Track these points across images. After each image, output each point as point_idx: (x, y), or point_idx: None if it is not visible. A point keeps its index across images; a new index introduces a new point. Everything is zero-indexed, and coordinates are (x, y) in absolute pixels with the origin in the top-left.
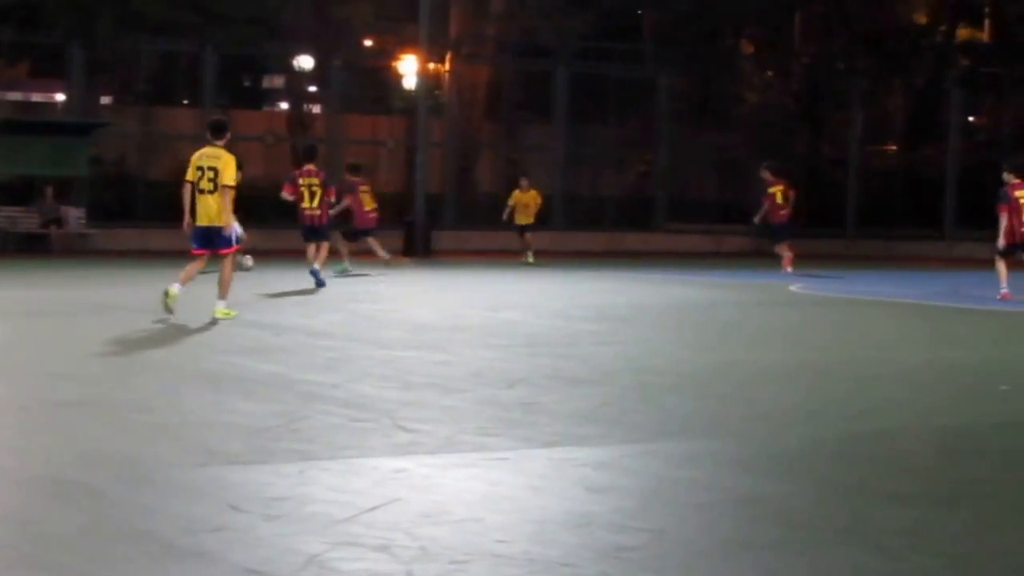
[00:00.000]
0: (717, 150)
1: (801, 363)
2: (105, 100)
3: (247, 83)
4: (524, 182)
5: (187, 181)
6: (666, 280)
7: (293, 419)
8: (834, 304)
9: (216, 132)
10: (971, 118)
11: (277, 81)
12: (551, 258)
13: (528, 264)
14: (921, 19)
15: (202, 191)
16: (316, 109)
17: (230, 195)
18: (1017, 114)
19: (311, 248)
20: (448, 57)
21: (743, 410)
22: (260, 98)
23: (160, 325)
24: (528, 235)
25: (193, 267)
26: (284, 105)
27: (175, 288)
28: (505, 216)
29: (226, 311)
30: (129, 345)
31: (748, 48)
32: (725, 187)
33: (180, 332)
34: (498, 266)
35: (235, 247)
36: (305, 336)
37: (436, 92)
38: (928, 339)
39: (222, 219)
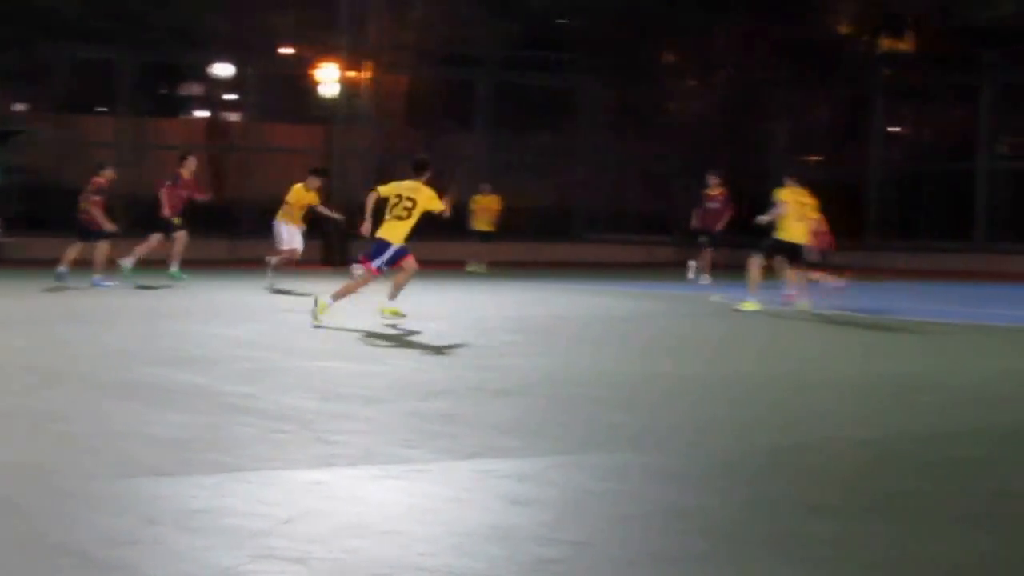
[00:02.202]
0: (641, 160)
1: (727, 375)
2: (19, 107)
3: (164, 91)
4: (485, 187)
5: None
6: (589, 291)
7: (213, 430)
8: (759, 315)
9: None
10: (894, 128)
11: (195, 89)
12: (462, 268)
13: (475, 273)
14: (844, 29)
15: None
16: (234, 117)
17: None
18: (940, 123)
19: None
20: (368, 66)
21: (669, 422)
22: (178, 106)
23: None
24: (485, 245)
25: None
26: (202, 113)
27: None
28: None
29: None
30: (47, 356)
31: (671, 58)
32: (649, 197)
33: (100, 342)
34: (420, 275)
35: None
36: (227, 346)
37: (356, 101)
38: (855, 351)
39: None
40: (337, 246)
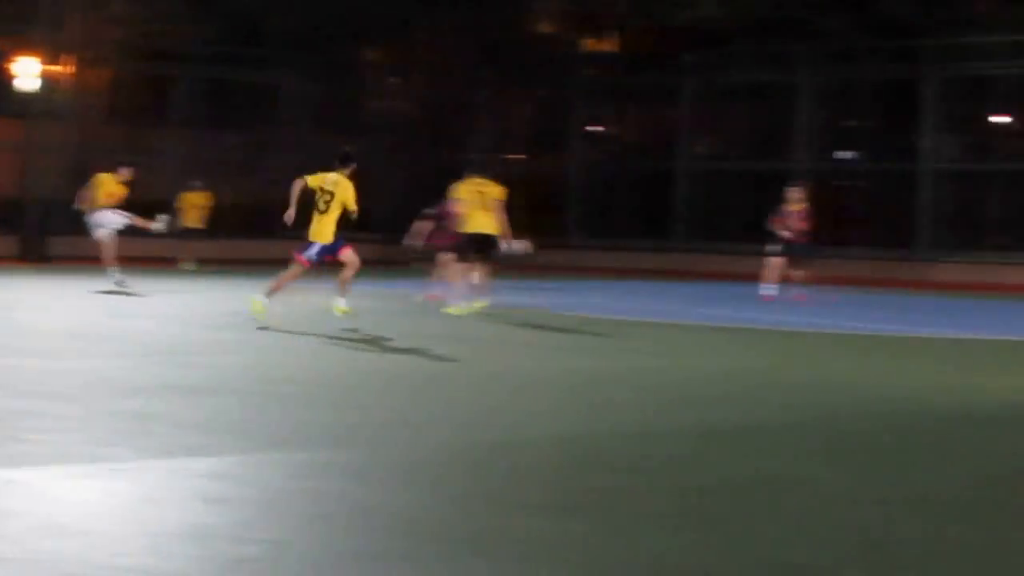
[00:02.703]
0: None
1: (437, 372)
2: None
3: None
4: (195, 183)
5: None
6: (295, 287)
7: None
8: (466, 315)
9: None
10: (596, 127)
11: None
12: (173, 265)
13: (187, 270)
14: (547, 29)
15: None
16: None
17: None
18: (641, 123)
19: None
20: (67, 60)
21: (372, 419)
22: None
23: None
24: (195, 242)
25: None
26: None
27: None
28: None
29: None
30: None
31: (372, 56)
32: (356, 195)
33: None
34: (131, 272)
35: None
36: None
37: (55, 95)
38: (555, 349)
39: None
40: (35, 241)
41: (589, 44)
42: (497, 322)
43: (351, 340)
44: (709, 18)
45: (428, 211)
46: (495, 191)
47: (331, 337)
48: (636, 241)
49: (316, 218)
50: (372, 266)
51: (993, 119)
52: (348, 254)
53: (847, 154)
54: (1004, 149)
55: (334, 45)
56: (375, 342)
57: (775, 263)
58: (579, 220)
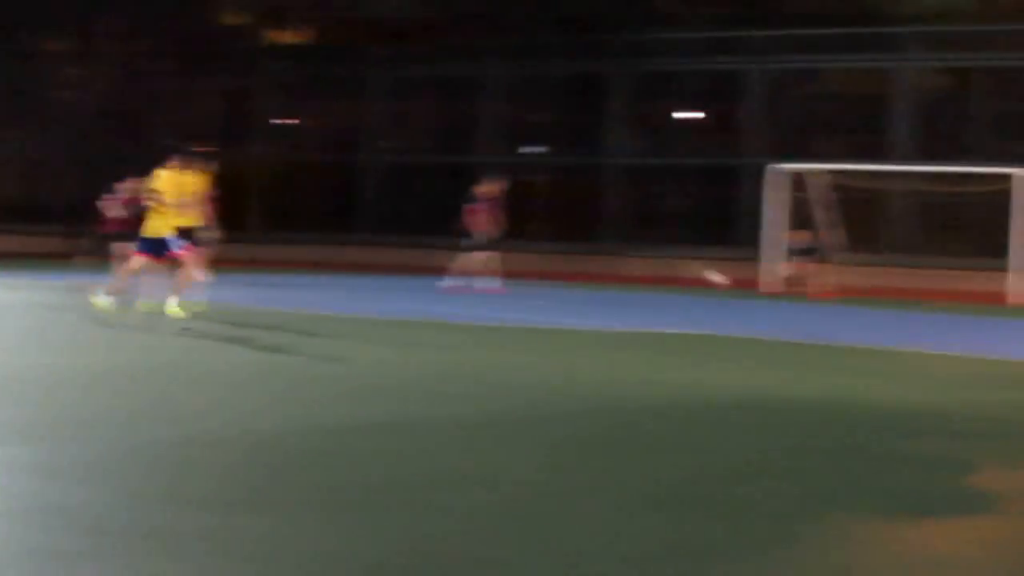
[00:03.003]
0: (20, 147)
1: (114, 367)
2: None
3: None
4: None
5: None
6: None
7: None
8: (137, 308)
9: None
10: (281, 120)
11: None
12: None
13: None
14: (235, 21)
15: None
16: None
17: None
18: (327, 115)
19: None
20: None
21: (52, 415)
22: None
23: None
24: None
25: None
26: None
27: None
28: None
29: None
30: None
31: (53, 46)
32: (33, 186)
33: None
34: None
35: None
36: None
37: None
38: (238, 342)
39: None
40: None
41: (276, 36)
42: (164, 316)
43: (11, 334)
44: (395, 12)
45: (111, 195)
46: (196, 182)
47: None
48: (320, 234)
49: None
50: (51, 259)
51: (676, 115)
52: (183, 255)
53: (534, 148)
54: (687, 144)
55: (13, 36)
56: (39, 336)
57: (468, 257)
58: (260, 212)
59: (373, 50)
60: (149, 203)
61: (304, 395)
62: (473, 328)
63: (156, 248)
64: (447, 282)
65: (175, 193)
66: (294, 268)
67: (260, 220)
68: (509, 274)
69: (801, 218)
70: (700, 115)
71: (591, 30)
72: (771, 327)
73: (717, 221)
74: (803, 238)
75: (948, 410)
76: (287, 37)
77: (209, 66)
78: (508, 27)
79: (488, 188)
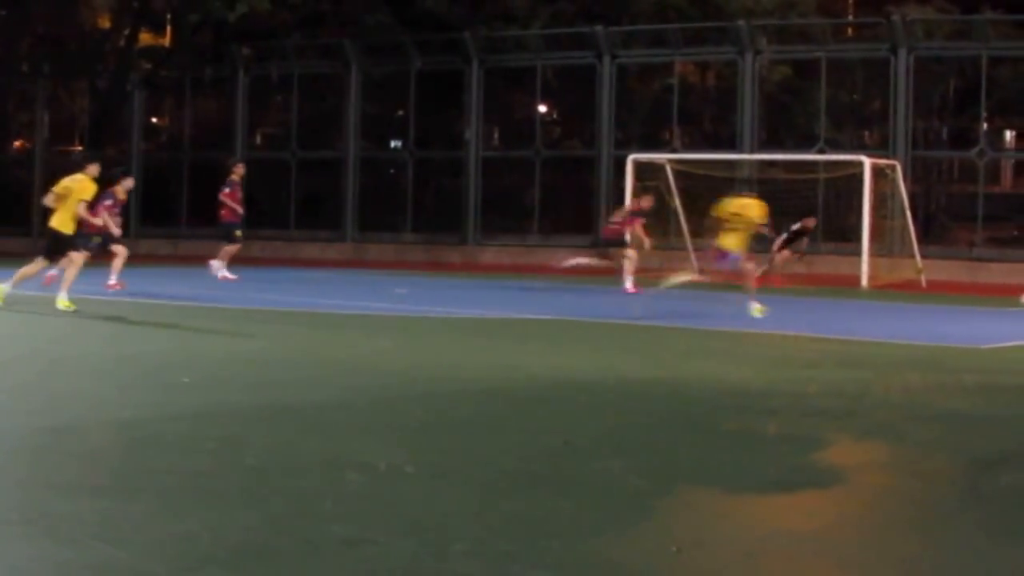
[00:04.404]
0: None
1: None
2: None
3: None
4: None
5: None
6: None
7: None
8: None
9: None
10: (153, 119)
11: None
12: None
13: None
14: (104, 23)
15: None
16: None
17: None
18: (199, 114)
19: None
20: None
21: None
22: None
23: None
24: None
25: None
26: None
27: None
28: None
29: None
30: None
31: None
32: None
33: None
34: None
35: None
36: None
37: None
38: (104, 333)
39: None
40: None
41: (146, 38)
42: (31, 307)
43: None
44: (262, 13)
45: None
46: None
47: None
48: (197, 229)
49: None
50: None
51: (534, 108)
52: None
53: (397, 143)
54: (543, 137)
55: None
56: None
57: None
58: (137, 209)
59: (240, 50)
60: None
61: (165, 382)
62: (332, 316)
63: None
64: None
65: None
66: (171, 263)
67: (138, 217)
68: (372, 265)
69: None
70: (556, 108)
71: (448, 28)
72: (624, 312)
73: (574, 211)
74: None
75: (799, 389)
76: (158, 39)
77: (82, 67)
78: (370, 27)
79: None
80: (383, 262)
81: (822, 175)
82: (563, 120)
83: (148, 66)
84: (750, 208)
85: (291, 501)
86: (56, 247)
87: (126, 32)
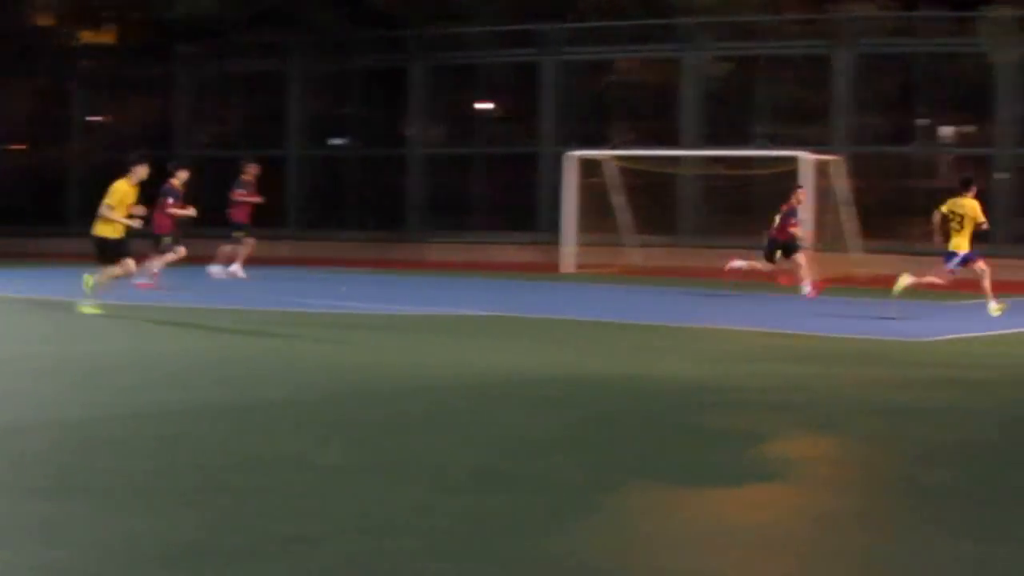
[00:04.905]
0: None
1: None
2: None
3: None
4: None
5: None
6: None
7: None
8: None
9: None
10: (94, 118)
11: None
12: None
13: None
14: (46, 21)
15: None
16: None
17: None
18: (142, 113)
19: None
20: None
21: None
22: None
23: None
24: None
25: None
26: None
27: None
28: None
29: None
30: None
31: None
32: None
33: None
34: None
35: None
36: None
37: None
38: (35, 333)
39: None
40: None
41: (88, 36)
42: None
43: None
44: (204, 10)
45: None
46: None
47: None
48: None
49: None
50: None
51: (476, 105)
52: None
53: (340, 140)
54: (486, 134)
55: None
56: None
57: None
58: (79, 208)
59: (182, 47)
60: None
61: (106, 383)
62: (277, 314)
63: None
64: (223, 271)
65: None
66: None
67: (78, 216)
68: (317, 262)
69: (596, 202)
70: (500, 105)
71: (392, 26)
72: (571, 308)
73: (518, 207)
74: None
75: (739, 383)
76: (100, 36)
77: (24, 65)
78: (313, 24)
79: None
80: (326, 259)
81: (762, 171)
82: (507, 117)
83: (89, 63)
84: (967, 207)
85: (237, 500)
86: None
87: (68, 30)
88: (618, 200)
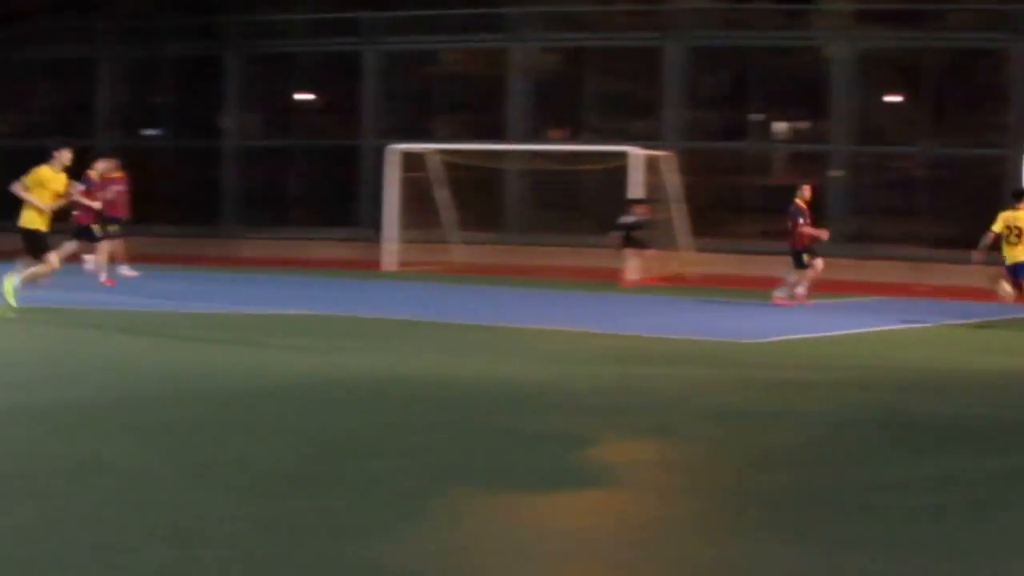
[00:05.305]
0: None
1: None
2: None
3: None
4: None
5: None
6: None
7: None
8: None
9: None
10: None
11: None
12: None
13: None
14: None
15: None
16: None
17: None
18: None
19: None
20: None
21: None
22: None
23: None
24: None
25: None
26: None
27: None
28: None
29: None
30: None
31: None
32: None
33: None
34: None
35: None
36: None
37: None
38: None
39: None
40: None
41: None
42: None
43: None
44: None
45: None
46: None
47: None
48: None
49: None
50: None
51: (295, 96)
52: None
53: (153, 131)
54: (305, 126)
55: None
56: None
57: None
58: None
59: None
60: None
61: None
62: (83, 313)
63: None
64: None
65: None
66: None
67: None
68: (127, 259)
69: (420, 198)
70: (319, 96)
71: (208, 12)
72: (392, 307)
73: (338, 202)
74: None
75: (567, 385)
76: None
77: None
78: (124, 9)
79: (102, 168)
80: (136, 255)
81: (591, 166)
82: (326, 109)
83: None
84: (1019, 219)
85: (39, 507)
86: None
87: None
88: (442, 196)
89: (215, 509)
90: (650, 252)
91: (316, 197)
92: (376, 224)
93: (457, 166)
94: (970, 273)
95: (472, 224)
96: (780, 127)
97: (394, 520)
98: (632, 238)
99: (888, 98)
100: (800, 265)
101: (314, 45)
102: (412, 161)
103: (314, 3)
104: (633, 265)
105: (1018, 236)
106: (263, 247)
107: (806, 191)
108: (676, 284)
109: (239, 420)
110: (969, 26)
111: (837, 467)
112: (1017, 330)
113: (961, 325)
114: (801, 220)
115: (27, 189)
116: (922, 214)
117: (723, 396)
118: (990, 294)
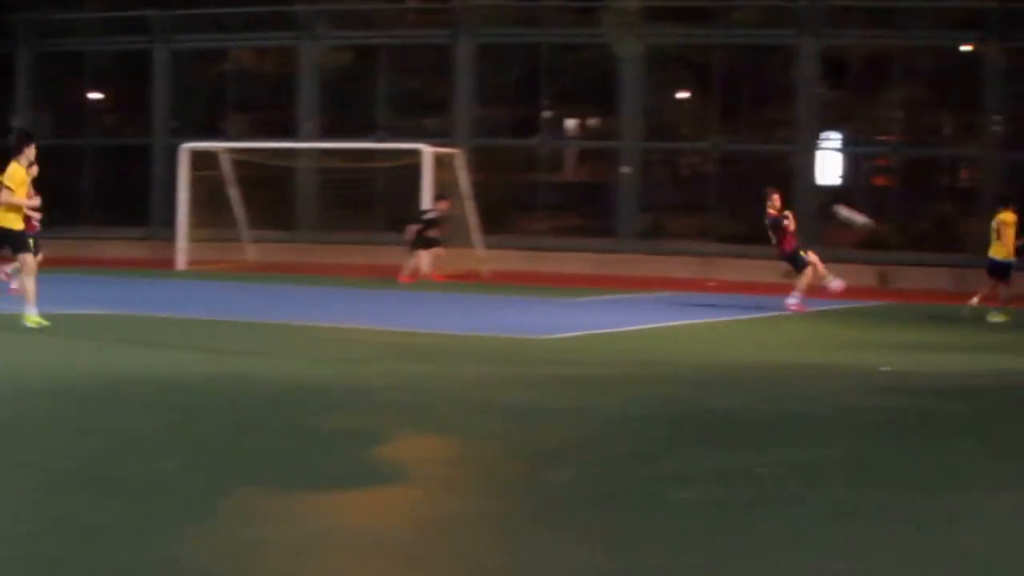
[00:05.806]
0: None
1: None
2: None
3: None
4: None
5: None
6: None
7: None
8: None
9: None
10: None
11: None
12: None
13: None
14: None
15: None
16: None
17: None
18: None
19: None
20: None
21: None
22: None
23: None
24: None
25: None
26: None
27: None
28: None
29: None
30: None
31: None
32: None
33: None
34: None
35: None
36: None
37: None
38: None
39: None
40: None
41: None
42: None
43: None
44: None
45: None
46: None
47: None
48: None
49: None
50: None
51: (86, 95)
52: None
53: None
54: (97, 125)
55: None
56: None
57: None
58: None
59: None
60: None
61: None
62: None
63: None
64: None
65: None
66: None
67: None
68: None
69: (212, 197)
70: (111, 95)
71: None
72: (182, 306)
73: (131, 201)
74: None
75: (356, 383)
76: None
77: None
78: None
79: None
80: None
81: (383, 163)
82: (117, 107)
83: None
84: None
85: None
86: None
87: None
88: (234, 194)
89: (5, 509)
90: (439, 250)
91: (108, 196)
92: (169, 223)
93: (249, 164)
94: (759, 269)
95: (264, 223)
96: (571, 124)
97: (185, 520)
98: (423, 237)
99: (678, 95)
100: (801, 266)
101: (105, 43)
102: (204, 160)
103: (105, 2)
104: (423, 263)
105: (997, 236)
106: (53, 246)
107: (776, 199)
108: (469, 281)
109: (25, 421)
110: (756, 23)
111: (624, 462)
112: (799, 323)
113: (748, 320)
114: (786, 223)
115: (13, 192)
116: (712, 210)
117: (513, 392)
118: (779, 287)
